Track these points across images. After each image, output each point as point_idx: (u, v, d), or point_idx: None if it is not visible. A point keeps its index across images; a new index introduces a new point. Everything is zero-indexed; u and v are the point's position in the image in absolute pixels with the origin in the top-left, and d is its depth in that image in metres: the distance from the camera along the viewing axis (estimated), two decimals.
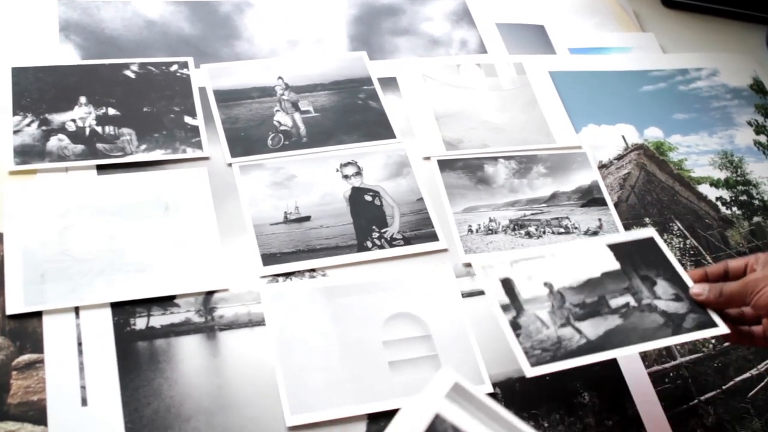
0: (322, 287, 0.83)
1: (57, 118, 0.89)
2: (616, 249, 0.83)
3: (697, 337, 0.80)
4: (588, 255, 0.83)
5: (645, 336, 0.77)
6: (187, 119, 0.93)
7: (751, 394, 0.87)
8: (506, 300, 0.79)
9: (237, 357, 0.78)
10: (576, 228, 0.94)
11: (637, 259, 0.83)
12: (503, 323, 0.76)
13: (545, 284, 0.82)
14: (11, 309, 0.76)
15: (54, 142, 0.88)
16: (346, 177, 0.92)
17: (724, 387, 0.87)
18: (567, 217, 0.95)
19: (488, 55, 1.09)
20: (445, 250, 0.89)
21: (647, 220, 0.98)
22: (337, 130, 0.96)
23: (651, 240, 0.85)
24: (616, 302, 0.80)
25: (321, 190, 0.91)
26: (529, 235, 0.92)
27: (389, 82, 1.02)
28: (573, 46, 1.15)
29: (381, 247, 0.87)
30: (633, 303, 0.81)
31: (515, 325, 0.76)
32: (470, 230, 0.91)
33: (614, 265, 0.83)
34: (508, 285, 0.84)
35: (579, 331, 0.78)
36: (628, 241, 0.85)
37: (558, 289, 0.81)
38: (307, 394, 0.76)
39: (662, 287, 0.83)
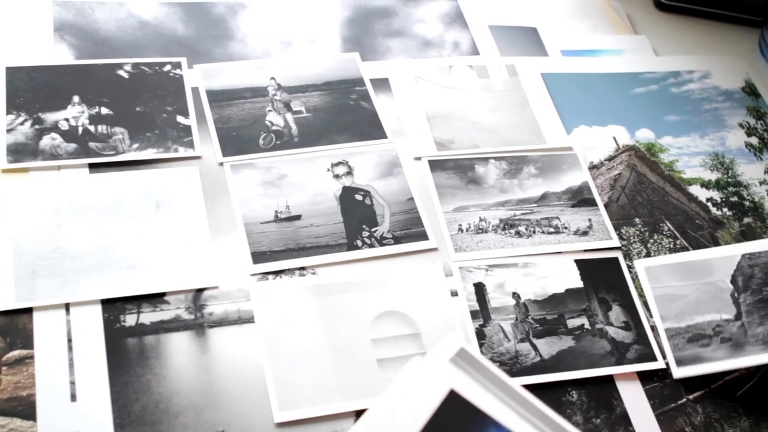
0: (312, 285, 0.83)
1: (50, 117, 0.90)
2: (582, 266, 0.85)
3: (636, 369, 0.83)
4: (557, 268, 0.85)
5: (591, 362, 0.81)
6: (180, 119, 0.94)
7: (739, 392, 0.87)
8: (476, 306, 0.81)
9: (226, 354, 0.78)
10: (566, 228, 0.94)
11: (599, 279, 0.85)
12: (470, 331, 0.78)
13: (513, 294, 0.84)
14: (1, 305, 0.76)
15: (47, 141, 0.88)
16: (337, 176, 0.93)
17: (712, 386, 0.87)
18: (557, 217, 0.95)
19: (480, 56, 1.10)
20: (434, 249, 0.89)
21: (637, 220, 0.98)
22: (328, 131, 0.97)
23: (616, 260, 0.87)
24: (572, 323, 0.83)
25: (312, 189, 0.91)
26: (519, 234, 0.93)
27: (381, 83, 1.03)
28: (565, 48, 1.15)
29: (371, 245, 0.88)
30: (587, 326, 0.83)
31: (480, 334, 0.79)
32: (460, 229, 0.91)
33: (578, 282, 0.85)
34: (480, 291, 0.86)
35: (535, 348, 0.81)
36: (594, 258, 0.86)
37: (524, 301, 0.84)
38: (296, 391, 0.76)
39: (615, 313, 0.85)
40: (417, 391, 0.59)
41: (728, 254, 0.92)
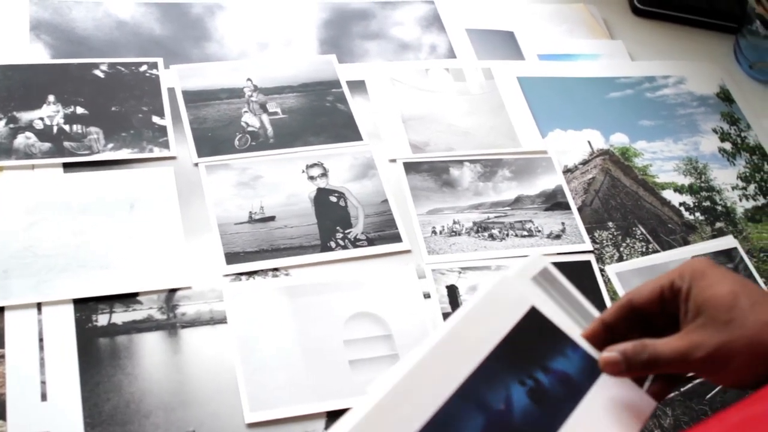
0: (285, 286, 0.84)
1: (25, 116, 0.90)
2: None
3: None
4: None
5: None
6: (155, 119, 0.94)
7: (708, 396, 0.88)
8: (449, 308, 0.82)
9: (198, 354, 0.78)
10: (539, 231, 0.95)
11: (572, 283, 0.85)
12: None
13: None
14: None
15: (21, 140, 0.88)
16: (311, 178, 0.93)
17: (682, 389, 0.88)
18: (531, 221, 0.96)
19: (457, 60, 1.11)
20: (408, 252, 0.90)
21: (610, 224, 0.99)
22: (304, 132, 0.97)
23: (588, 264, 0.89)
24: None
25: (286, 190, 0.91)
26: (492, 237, 0.93)
27: (358, 86, 1.04)
28: (542, 53, 1.16)
29: (344, 247, 0.88)
30: None
31: None
32: (434, 232, 0.92)
33: None
34: (453, 294, 0.86)
35: None
36: (567, 262, 0.86)
37: None
38: (267, 392, 0.76)
39: None
40: (499, 305, 0.58)
41: (695, 254, 0.93)
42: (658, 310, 0.60)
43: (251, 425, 0.75)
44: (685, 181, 1.08)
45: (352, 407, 0.50)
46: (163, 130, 0.93)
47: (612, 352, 0.58)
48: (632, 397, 0.59)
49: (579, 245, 0.95)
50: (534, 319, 0.59)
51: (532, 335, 0.58)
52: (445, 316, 0.84)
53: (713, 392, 0.89)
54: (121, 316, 0.79)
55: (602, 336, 0.60)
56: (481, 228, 0.94)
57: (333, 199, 0.92)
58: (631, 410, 0.58)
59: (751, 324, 0.54)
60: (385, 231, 0.91)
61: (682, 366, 0.56)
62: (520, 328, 0.58)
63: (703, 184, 1.08)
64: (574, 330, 0.61)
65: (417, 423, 0.50)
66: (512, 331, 0.57)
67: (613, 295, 0.91)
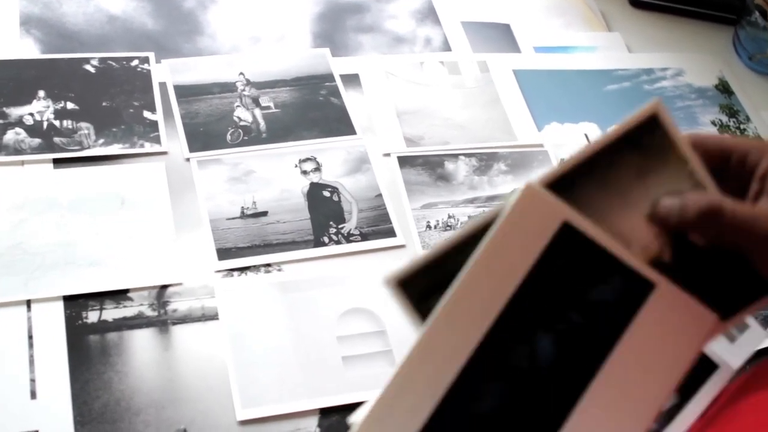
0: (278, 282, 0.83)
1: (14, 112, 0.89)
2: None
3: None
4: None
5: None
6: (147, 114, 0.93)
7: None
8: None
9: (189, 351, 0.78)
10: None
11: None
12: None
13: None
14: None
15: (11, 136, 0.87)
16: (304, 173, 0.92)
17: None
18: None
19: (452, 53, 1.10)
20: (402, 246, 0.89)
21: None
22: (297, 126, 0.96)
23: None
24: None
25: (279, 185, 0.91)
26: None
27: (352, 79, 1.02)
28: (538, 45, 1.15)
29: (338, 242, 0.87)
30: None
31: None
32: (428, 226, 0.91)
33: None
34: None
35: None
36: None
37: None
38: (259, 389, 0.76)
39: None
40: (525, 223, 0.48)
41: None
42: (718, 168, 0.51)
43: (243, 422, 0.74)
44: None
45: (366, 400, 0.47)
46: (154, 125, 0.92)
47: (672, 199, 0.49)
48: (685, 313, 0.49)
49: None
50: (569, 236, 0.48)
51: (565, 261, 0.48)
52: None
53: None
54: (111, 313, 0.78)
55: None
56: None
57: (326, 193, 0.91)
58: (687, 328, 0.48)
59: None
60: (379, 226, 0.90)
61: (746, 234, 0.48)
62: (549, 255, 0.48)
63: None
64: (615, 246, 0.49)
65: (429, 403, 0.45)
66: (539, 261, 0.48)
67: None
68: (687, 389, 0.51)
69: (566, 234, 0.48)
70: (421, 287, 0.49)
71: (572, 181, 0.48)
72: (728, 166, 0.51)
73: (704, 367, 0.63)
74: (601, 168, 0.49)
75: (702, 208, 0.47)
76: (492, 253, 0.48)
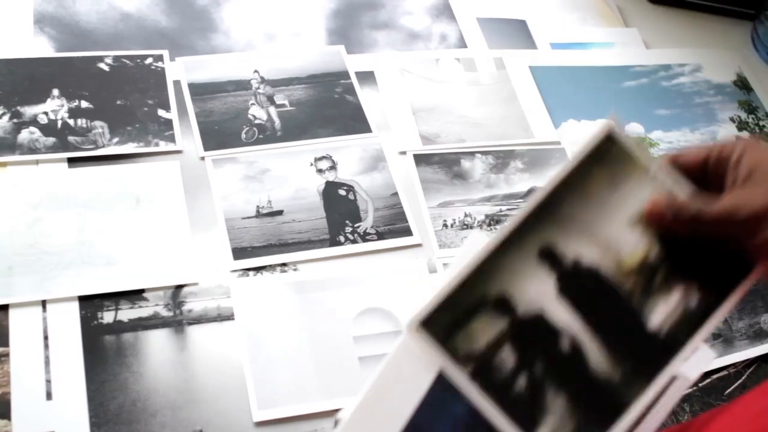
0: (293, 282, 0.82)
1: (29, 111, 0.89)
2: None
3: None
4: None
5: None
6: (161, 112, 0.92)
7: (727, 392, 0.86)
8: None
9: (205, 351, 0.77)
10: None
11: None
12: None
13: None
14: None
15: (25, 135, 0.87)
16: (320, 171, 0.92)
17: (700, 384, 0.86)
18: None
19: (468, 49, 1.09)
20: (419, 245, 0.88)
21: None
22: (312, 124, 0.95)
23: None
24: None
25: (295, 184, 0.90)
26: None
27: (367, 76, 1.02)
28: (555, 41, 1.14)
29: (354, 241, 0.86)
30: None
31: None
32: (445, 225, 0.90)
33: None
34: None
35: None
36: None
37: None
38: (275, 389, 0.75)
39: None
40: (404, 370, 0.50)
41: None
42: (700, 175, 0.56)
43: (259, 424, 0.73)
44: None
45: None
46: (168, 123, 0.92)
47: (659, 201, 0.54)
48: None
49: None
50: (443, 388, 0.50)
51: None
52: None
53: (732, 387, 0.87)
54: (126, 313, 0.78)
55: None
56: (493, 221, 0.92)
57: (342, 192, 0.91)
58: None
59: None
60: (395, 225, 0.89)
61: (727, 226, 0.52)
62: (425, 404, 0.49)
63: None
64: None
65: None
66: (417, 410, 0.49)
67: None
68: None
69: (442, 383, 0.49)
70: (444, 324, 0.49)
71: (558, 198, 0.52)
72: (711, 168, 0.55)
73: None
74: (577, 185, 0.53)
75: (685, 213, 0.53)
76: (373, 400, 0.50)
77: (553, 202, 0.52)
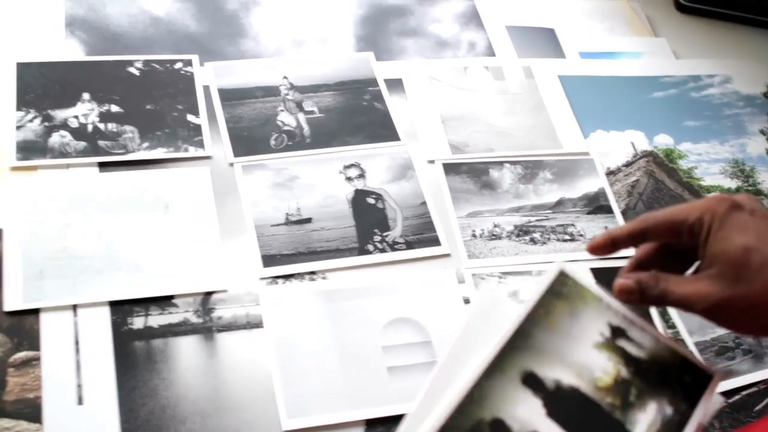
0: (322, 290, 0.82)
1: (60, 115, 0.89)
2: (598, 275, 0.84)
3: None
4: None
5: None
6: (190, 118, 0.92)
7: (757, 408, 0.86)
8: None
9: (234, 359, 0.77)
10: (581, 235, 0.92)
11: None
12: None
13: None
14: (9, 305, 0.75)
15: (56, 139, 0.87)
16: (349, 179, 0.91)
17: (730, 400, 0.85)
18: (573, 224, 0.93)
19: (497, 58, 1.08)
20: (447, 255, 0.88)
21: None
22: (341, 132, 0.95)
23: None
24: None
25: (323, 191, 0.90)
26: (533, 241, 0.91)
27: (395, 84, 1.01)
28: (583, 50, 1.13)
29: (383, 250, 0.86)
30: None
31: None
32: (474, 235, 0.90)
33: None
34: None
35: None
36: (610, 267, 0.85)
37: None
38: (304, 398, 0.75)
39: None
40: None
41: None
42: (674, 242, 0.59)
43: None
44: (732, 184, 1.04)
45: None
46: (198, 128, 0.92)
47: (629, 279, 0.57)
48: None
49: (623, 251, 0.92)
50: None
51: None
52: None
53: (762, 404, 0.86)
54: (156, 319, 0.78)
55: (607, 250, 0.60)
56: (522, 231, 0.91)
57: (371, 200, 0.90)
58: None
59: (758, 286, 0.53)
60: (423, 234, 0.88)
61: (688, 310, 0.56)
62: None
63: (750, 188, 1.05)
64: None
65: None
66: None
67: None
68: None
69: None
70: None
71: (526, 332, 0.56)
72: (684, 238, 0.57)
73: None
74: (542, 318, 0.57)
75: (652, 292, 0.56)
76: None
77: (523, 334, 0.55)
